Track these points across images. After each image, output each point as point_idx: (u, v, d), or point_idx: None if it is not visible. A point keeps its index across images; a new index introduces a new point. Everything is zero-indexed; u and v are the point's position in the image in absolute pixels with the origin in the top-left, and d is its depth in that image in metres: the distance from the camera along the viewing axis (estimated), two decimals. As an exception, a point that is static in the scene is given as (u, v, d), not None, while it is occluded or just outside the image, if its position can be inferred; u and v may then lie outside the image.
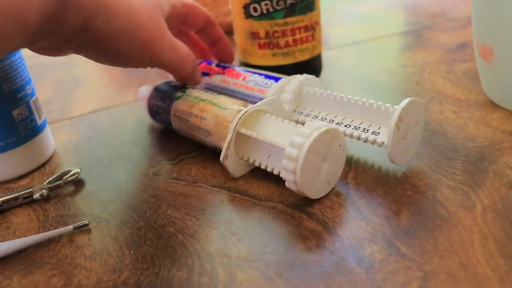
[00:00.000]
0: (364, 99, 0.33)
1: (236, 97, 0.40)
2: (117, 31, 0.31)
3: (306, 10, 0.43)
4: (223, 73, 0.42)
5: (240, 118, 0.32)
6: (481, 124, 0.37)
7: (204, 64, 0.45)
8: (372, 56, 0.55)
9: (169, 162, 0.37)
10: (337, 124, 0.34)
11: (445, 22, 0.63)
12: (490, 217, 0.27)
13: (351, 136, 0.33)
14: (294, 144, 0.28)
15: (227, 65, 0.44)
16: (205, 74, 0.43)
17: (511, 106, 0.38)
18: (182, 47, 0.36)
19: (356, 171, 0.33)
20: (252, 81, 0.40)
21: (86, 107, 0.51)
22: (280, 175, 0.31)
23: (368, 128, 0.33)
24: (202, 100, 0.36)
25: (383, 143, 0.31)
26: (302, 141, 0.28)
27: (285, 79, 0.38)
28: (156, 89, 0.41)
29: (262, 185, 0.33)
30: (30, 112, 0.39)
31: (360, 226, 0.28)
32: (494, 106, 0.39)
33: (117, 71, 0.62)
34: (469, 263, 0.24)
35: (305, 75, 0.38)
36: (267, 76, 0.40)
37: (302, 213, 0.30)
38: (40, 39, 0.28)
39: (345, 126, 0.34)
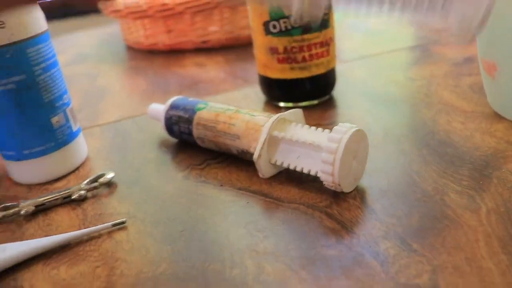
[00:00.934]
0: None
1: None
2: None
3: (321, 28, 0.46)
4: None
5: (273, 121, 0.35)
6: (486, 135, 0.40)
7: None
8: (382, 70, 0.58)
9: (196, 167, 0.40)
10: None
11: (451, 37, 0.66)
12: (493, 219, 0.30)
13: None
14: (332, 139, 0.32)
15: None
16: None
17: (513, 118, 0.41)
18: None
19: (370, 177, 0.36)
20: None
21: (112, 116, 0.55)
22: (310, 173, 0.34)
23: None
24: (228, 109, 0.39)
25: None
26: (340, 136, 0.32)
27: None
28: (175, 102, 0.44)
29: (284, 188, 0.36)
30: (67, 119, 0.42)
31: (375, 225, 0.31)
32: (499, 117, 0.42)
33: (140, 82, 0.65)
34: (474, 259, 0.27)
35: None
36: None
37: (322, 214, 0.32)
38: None
39: None
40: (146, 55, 0.77)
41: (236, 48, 0.75)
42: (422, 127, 0.43)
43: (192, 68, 0.68)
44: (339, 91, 0.53)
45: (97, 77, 0.70)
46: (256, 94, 0.54)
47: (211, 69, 0.66)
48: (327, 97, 0.51)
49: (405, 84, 0.53)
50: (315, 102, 0.50)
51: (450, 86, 0.50)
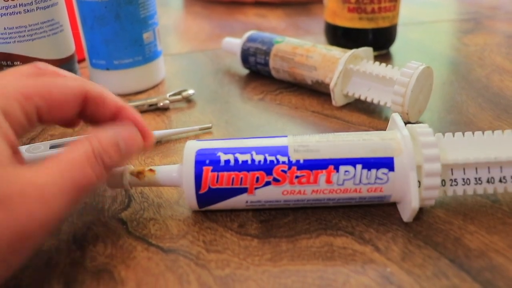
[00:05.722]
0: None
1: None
2: None
3: (393, -18, 0.50)
4: (276, 182, 0.26)
5: (349, 55, 0.39)
6: (536, 94, 0.43)
7: None
8: (437, 35, 0.61)
9: (271, 93, 0.45)
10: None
11: (504, 14, 0.69)
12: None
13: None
14: (405, 74, 0.36)
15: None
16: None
17: None
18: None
19: (432, 114, 0.40)
20: (348, 180, 0.26)
21: (182, 48, 0.59)
22: (380, 103, 0.38)
23: None
24: (305, 44, 0.43)
25: None
26: (412, 72, 0.35)
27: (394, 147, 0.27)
28: (252, 36, 0.48)
29: (354, 115, 0.40)
30: (155, 37, 0.47)
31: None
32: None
33: (204, 25, 0.69)
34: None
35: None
36: (366, 164, 0.26)
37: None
38: None
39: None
40: (205, 4, 0.81)
41: (294, 5, 0.79)
42: (477, 82, 0.46)
43: (253, 17, 0.71)
44: (396, 48, 0.56)
45: (160, 18, 0.74)
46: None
47: (273, 20, 0.70)
48: (385, 51, 0.55)
49: (460, 48, 0.56)
50: (375, 53, 0.53)
51: (503, 53, 0.54)
